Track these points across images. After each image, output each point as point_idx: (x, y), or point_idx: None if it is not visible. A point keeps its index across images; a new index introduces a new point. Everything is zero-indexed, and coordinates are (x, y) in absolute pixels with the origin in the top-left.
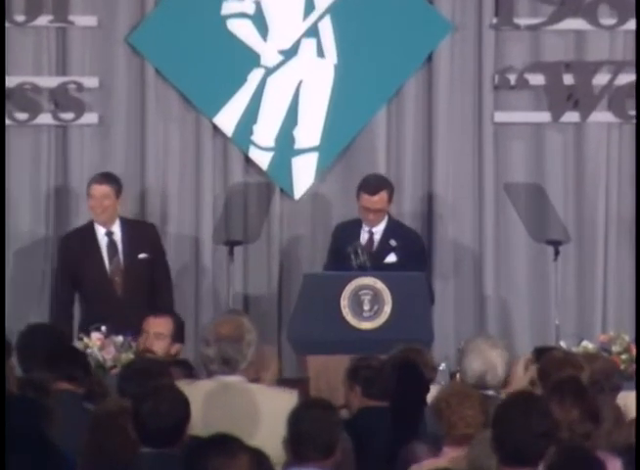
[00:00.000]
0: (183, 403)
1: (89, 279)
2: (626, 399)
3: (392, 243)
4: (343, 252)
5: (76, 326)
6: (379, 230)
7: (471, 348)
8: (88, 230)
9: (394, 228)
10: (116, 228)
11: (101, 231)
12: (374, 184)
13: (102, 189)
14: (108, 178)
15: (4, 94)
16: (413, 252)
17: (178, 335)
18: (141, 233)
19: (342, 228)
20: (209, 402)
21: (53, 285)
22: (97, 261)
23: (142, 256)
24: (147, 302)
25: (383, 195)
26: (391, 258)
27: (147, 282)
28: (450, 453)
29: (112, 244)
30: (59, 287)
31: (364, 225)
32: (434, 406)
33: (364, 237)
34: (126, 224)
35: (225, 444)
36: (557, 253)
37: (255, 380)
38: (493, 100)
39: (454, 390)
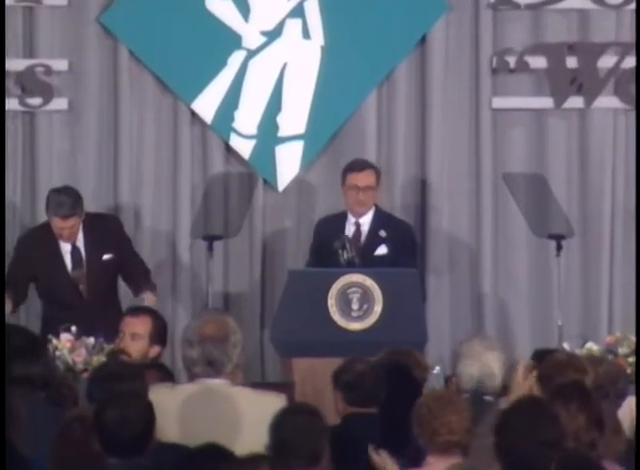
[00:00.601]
0: (147, 408)
1: (50, 285)
2: (633, 403)
3: (382, 234)
4: (328, 248)
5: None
6: (366, 221)
7: (466, 351)
8: (48, 233)
9: (383, 219)
10: (79, 233)
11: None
12: (360, 162)
13: (67, 223)
14: (72, 208)
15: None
16: (404, 243)
17: (158, 336)
18: (103, 231)
19: (324, 223)
20: (189, 407)
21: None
22: (59, 268)
23: (106, 256)
24: (115, 304)
25: (369, 172)
26: (382, 249)
27: (113, 282)
28: (435, 464)
29: (75, 250)
30: (10, 283)
31: (350, 217)
32: (414, 413)
33: (350, 229)
34: (87, 226)
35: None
36: (559, 247)
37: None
38: (491, 84)
39: (435, 394)
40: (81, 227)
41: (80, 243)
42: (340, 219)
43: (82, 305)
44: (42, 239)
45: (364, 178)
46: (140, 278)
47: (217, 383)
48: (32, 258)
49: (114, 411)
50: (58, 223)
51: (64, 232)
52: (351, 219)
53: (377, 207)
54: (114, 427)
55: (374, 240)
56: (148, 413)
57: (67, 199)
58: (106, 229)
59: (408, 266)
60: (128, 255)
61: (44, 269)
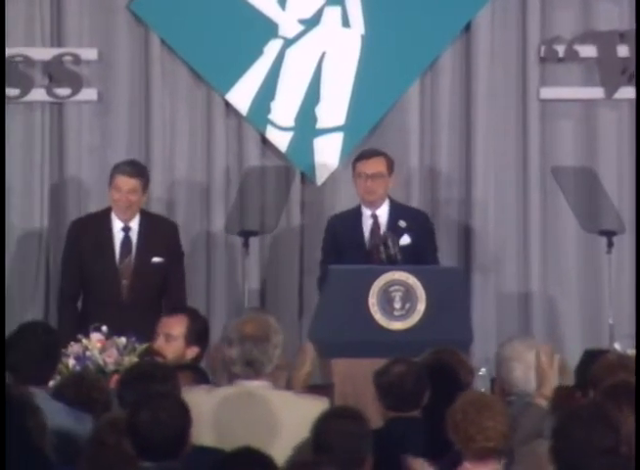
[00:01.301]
0: (183, 411)
1: (95, 275)
2: None
3: (402, 224)
4: (345, 246)
5: None
6: (383, 213)
7: (508, 353)
8: (103, 219)
9: (399, 209)
10: (135, 224)
11: (117, 224)
12: (369, 150)
13: (130, 183)
14: (136, 170)
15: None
16: (425, 233)
17: (196, 337)
18: (160, 233)
19: (338, 219)
20: (225, 410)
21: (51, 278)
22: (107, 258)
23: (156, 259)
24: (154, 308)
25: (379, 159)
26: (405, 240)
27: (156, 289)
28: (472, 469)
29: (127, 241)
30: (64, 278)
31: (364, 211)
32: (449, 418)
33: (368, 223)
34: (146, 220)
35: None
36: (610, 244)
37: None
38: (539, 74)
39: (471, 398)
40: (138, 223)
41: (134, 234)
42: (354, 214)
43: (120, 304)
44: (95, 225)
45: (373, 165)
46: (173, 301)
47: (256, 385)
48: (83, 244)
49: (149, 413)
50: (119, 182)
51: (122, 196)
52: (367, 212)
53: (390, 198)
54: (148, 429)
55: (395, 231)
56: (183, 415)
57: (134, 166)
58: (163, 231)
59: (432, 257)
60: (175, 270)
61: (92, 256)
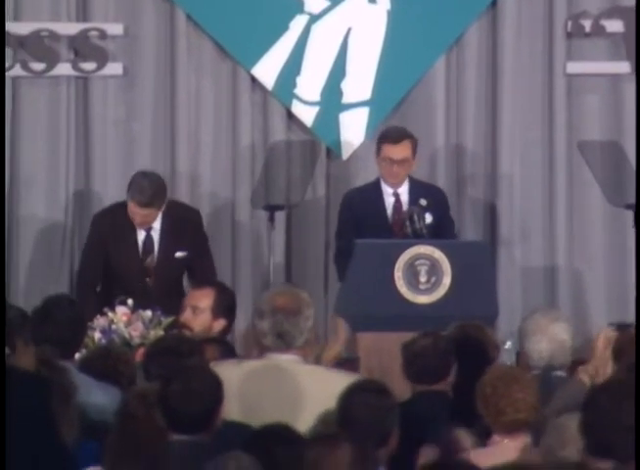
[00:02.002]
0: (216, 385)
1: (119, 271)
2: None
3: (423, 202)
4: (364, 221)
5: None
6: (403, 191)
7: (531, 326)
8: (126, 216)
9: (418, 187)
10: (157, 223)
11: None
12: (396, 133)
13: (143, 212)
14: (149, 199)
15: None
16: (444, 210)
17: (223, 309)
18: (182, 226)
19: (356, 194)
20: (250, 383)
21: (76, 260)
22: (131, 255)
23: (179, 254)
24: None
25: (406, 144)
26: (428, 218)
27: (181, 280)
28: (502, 443)
29: (149, 240)
30: (84, 266)
31: (386, 188)
32: (478, 392)
33: (390, 200)
34: (168, 215)
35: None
36: (637, 218)
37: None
38: (566, 49)
39: (499, 372)
40: (160, 216)
41: (155, 233)
42: (374, 190)
43: (146, 295)
44: (119, 221)
45: (400, 151)
46: (201, 277)
47: (286, 358)
48: (107, 236)
49: (181, 384)
50: (133, 208)
51: (136, 218)
52: (388, 190)
53: (409, 176)
54: (180, 401)
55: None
56: (215, 389)
57: (149, 187)
58: (185, 224)
59: (451, 232)
60: (201, 254)
61: (116, 249)
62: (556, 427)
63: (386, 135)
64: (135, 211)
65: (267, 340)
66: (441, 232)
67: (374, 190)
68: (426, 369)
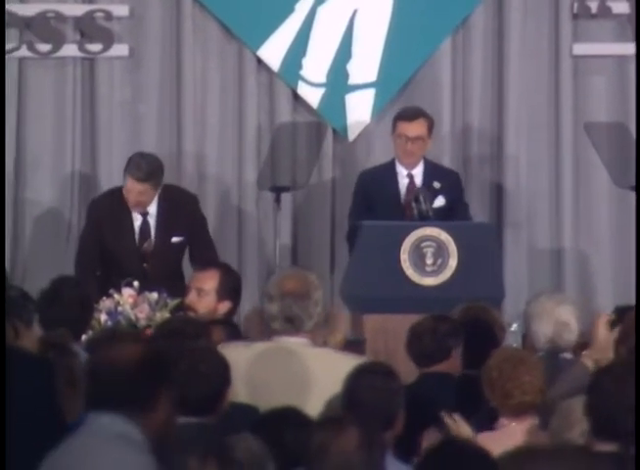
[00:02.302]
0: (223, 367)
1: (116, 256)
2: None
3: (436, 185)
4: (378, 202)
5: None
6: (418, 173)
7: (536, 309)
8: (122, 201)
9: (432, 169)
10: (152, 208)
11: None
12: (412, 111)
13: (138, 187)
14: (146, 175)
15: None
16: (457, 193)
17: (227, 291)
18: (179, 211)
19: (370, 174)
20: (259, 365)
21: (78, 242)
22: (127, 240)
23: (176, 239)
24: (179, 284)
25: (421, 122)
26: (440, 201)
27: (179, 264)
28: (509, 425)
29: (145, 225)
30: (81, 252)
31: (400, 169)
32: (484, 375)
33: (404, 182)
34: (164, 200)
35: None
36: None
37: (323, 343)
38: (572, 30)
39: (505, 355)
40: (156, 200)
41: (152, 218)
42: (388, 170)
43: (144, 280)
44: (114, 207)
45: (415, 128)
46: (203, 258)
47: (294, 341)
48: (103, 221)
49: (188, 365)
50: (129, 185)
51: (131, 196)
52: (403, 171)
53: (424, 157)
54: (187, 381)
55: (430, 192)
56: (223, 370)
57: (146, 165)
58: (181, 209)
59: (465, 215)
60: (199, 236)
61: (112, 235)
62: (562, 410)
63: (401, 113)
64: (130, 188)
65: (276, 324)
66: (455, 215)
67: (388, 171)
68: (423, 351)
